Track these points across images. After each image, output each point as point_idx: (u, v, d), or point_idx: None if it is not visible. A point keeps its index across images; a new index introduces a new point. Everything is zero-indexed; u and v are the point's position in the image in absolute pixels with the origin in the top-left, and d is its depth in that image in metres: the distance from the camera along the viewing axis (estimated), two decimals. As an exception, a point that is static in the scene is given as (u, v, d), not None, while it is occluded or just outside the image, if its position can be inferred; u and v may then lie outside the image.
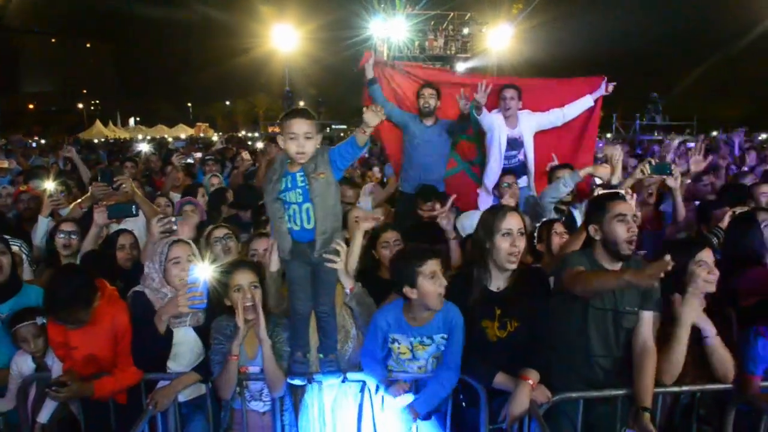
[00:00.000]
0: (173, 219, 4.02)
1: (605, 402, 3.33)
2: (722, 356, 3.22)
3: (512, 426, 3.16)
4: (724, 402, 3.34)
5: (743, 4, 43.74)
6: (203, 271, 3.23)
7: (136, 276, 3.80)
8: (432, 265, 3.10)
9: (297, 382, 3.26)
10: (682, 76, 53.40)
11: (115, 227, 4.68)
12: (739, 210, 4.35)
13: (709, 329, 3.20)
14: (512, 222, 3.27)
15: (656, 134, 23.03)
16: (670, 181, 4.82)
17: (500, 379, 3.20)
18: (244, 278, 3.27)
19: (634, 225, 3.26)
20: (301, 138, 3.07)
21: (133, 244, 4.49)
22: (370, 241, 4.30)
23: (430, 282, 3.09)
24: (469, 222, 4.83)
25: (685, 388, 3.29)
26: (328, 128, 27.05)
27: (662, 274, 2.68)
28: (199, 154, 10.45)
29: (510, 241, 3.24)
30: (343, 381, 3.31)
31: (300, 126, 3.08)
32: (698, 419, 3.38)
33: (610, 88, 6.26)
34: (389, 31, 26.96)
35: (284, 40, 31.99)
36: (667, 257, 2.62)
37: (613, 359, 3.33)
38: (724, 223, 4.37)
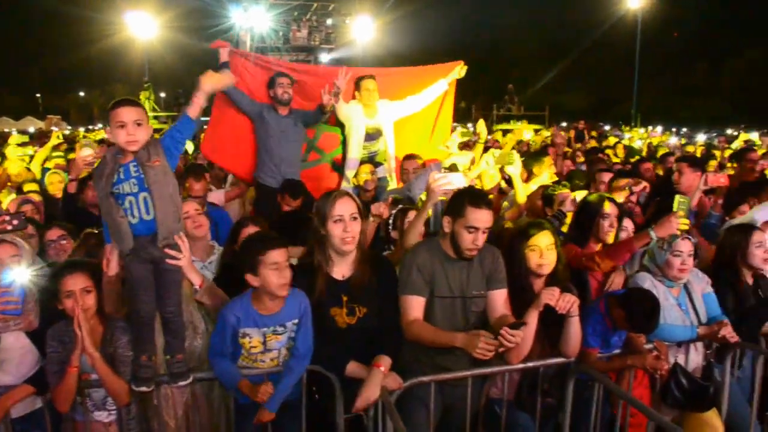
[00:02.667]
0: (7, 218, 3.66)
1: (458, 385, 3.42)
2: (578, 333, 3.41)
3: (368, 414, 3.17)
4: (564, 374, 3.55)
5: (594, 4, 46.95)
6: (20, 275, 2.97)
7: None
8: (274, 256, 3.06)
9: (143, 389, 3.05)
10: (535, 69, 56.59)
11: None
12: (579, 194, 4.63)
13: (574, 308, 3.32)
14: (343, 207, 3.26)
15: (512, 123, 24.28)
16: (511, 170, 5.08)
17: (352, 368, 3.21)
18: (75, 283, 3.01)
19: (483, 236, 3.33)
20: (130, 125, 2.86)
21: None
22: (231, 235, 4.19)
23: (271, 272, 3.05)
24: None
25: (530, 364, 3.46)
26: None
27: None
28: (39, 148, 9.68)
29: (342, 227, 3.24)
30: (191, 382, 3.17)
31: (128, 113, 2.87)
32: (542, 393, 3.56)
33: (463, 72, 6.52)
34: (252, 21, 26.42)
35: (142, 28, 30.49)
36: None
37: None
38: (566, 206, 4.65)
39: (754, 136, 16.04)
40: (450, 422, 3.54)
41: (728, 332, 3.73)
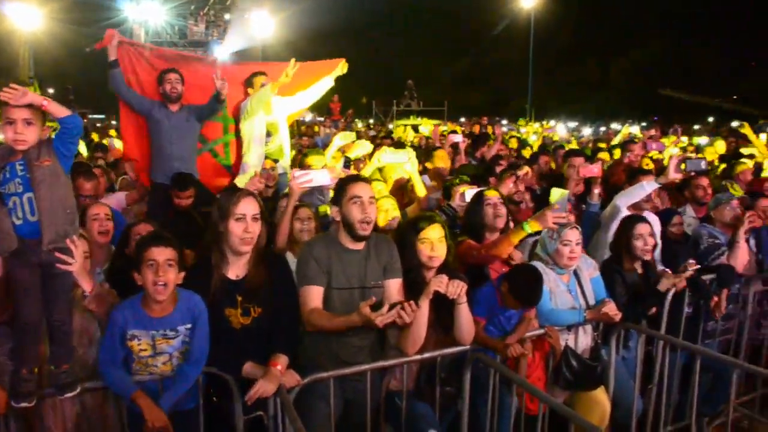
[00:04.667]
0: None
1: (358, 379, 3.44)
2: (468, 318, 3.51)
3: (268, 414, 3.12)
4: (461, 362, 3.63)
5: (490, 3, 48.36)
6: None
7: None
8: (152, 253, 2.99)
9: (23, 404, 2.83)
10: (434, 66, 57.84)
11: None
12: (468, 189, 4.77)
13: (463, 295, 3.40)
14: (247, 207, 3.23)
15: (411, 119, 24.64)
16: (408, 167, 5.18)
17: (248, 368, 3.15)
18: None
19: (371, 207, 3.39)
20: (19, 123, 2.70)
21: None
22: (122, 237, 4.04)
23: (147, 270, 2.98)
24: None
25: (427, 354, 3.52)
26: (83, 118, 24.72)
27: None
28: None
29: (243, 227, 3.20)
30: (79, 392, 3.00)
31: (19, 110, 2.71)
32: (441, 382, 3.63)
33: (345, 68, 6.68)
34: (146, 15, 25.49)
35: (25, 19, 28.56)
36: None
37: (363, 335, 3.47)
38: (455, 200, 4.79)
39: (635, 129, 17.01)
40: (352, 416, 3.55)
41: (611, 309, 3.96)
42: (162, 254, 3.01)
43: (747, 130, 10.70)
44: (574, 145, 11.02)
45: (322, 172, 4.11)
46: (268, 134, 6.19)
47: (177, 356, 3.13)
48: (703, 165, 5.94)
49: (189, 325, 3.11)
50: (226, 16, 28.06)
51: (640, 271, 4.55)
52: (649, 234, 4.44)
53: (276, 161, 6.14)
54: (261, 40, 27.94)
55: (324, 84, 6.63)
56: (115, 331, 3.02)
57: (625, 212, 4.96)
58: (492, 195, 4.38)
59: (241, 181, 5.82)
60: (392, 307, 3.01)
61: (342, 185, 3.47)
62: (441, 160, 6.60)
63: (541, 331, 3.87)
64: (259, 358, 3.18)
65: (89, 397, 3.25)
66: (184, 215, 5.09)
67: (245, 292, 3.28)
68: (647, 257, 4.47)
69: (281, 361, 3.15)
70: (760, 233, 5.38)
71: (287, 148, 6.33)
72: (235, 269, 3.31)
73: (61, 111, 2.78)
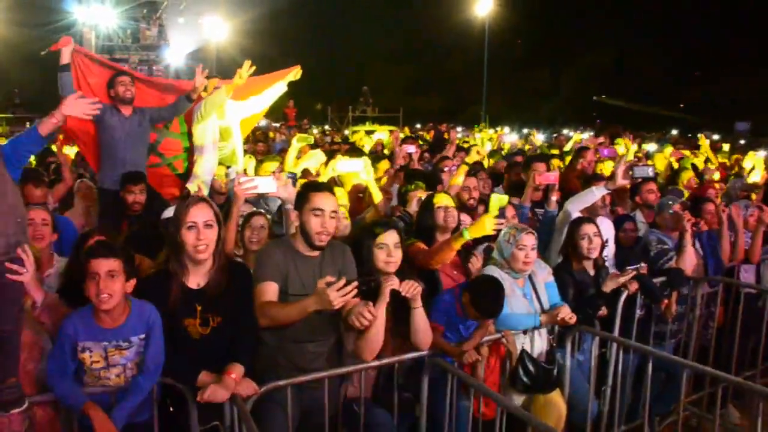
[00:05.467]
0: None
1: (316, 387, 3.41)
2: (425, 322, 3.52)
3: (224, 423, 3.07)
4: (419, 368, 3.65)
5: (445, 11, 48.73)
6: None
7: None
8: (93, 265, 2.90)
9: None
10: (389, 73, 57.99)
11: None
12: (425, 195, 4.80)
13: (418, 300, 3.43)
14: (197, 214, 3.14)
15: (367, 125, 24.65)
16: (363, 175, 5.19)
17: (202, 378, 3.07)
18: None
19: (331, 220, 3.36)
20: None
21: None
22: (76, 248, 3.92)
23: (90, 282, 2.90)
24: None
25: (385, 360, 3.52)
26: (28, 123, 23.92)
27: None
28: None
29: (195, 234, 3.12)
30: (27, 408, 2.89)
31: None
32: (399, 387, 3.63)
33: (298, 74, 6.68)
34: (97, 18, 24.92)
35: (-34, 20, 27.68)
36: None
37: (320, 342, 3.46)
38: (411, 205, 4.82)
39: (586, 136, 17.35)
40: (309, 424, 3.51)
41: (566, 314, 4.04)
42: (104, 266, 2.91)
43: (702, 141, 11.45)
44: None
45: (267, 180, 4.05)
46: (222, 138, 6.12)
47: (131, 368, 3.05)
48: (650, 172, 6.12)
49: (143, 336, 3.03)
50: (180, 20, 27.62)
51: (591, 272, 4.65)
52: (595, 234, 4.55)
53: (229, 167, 6.08)
54: (215, 43, 27.66)
55: (277, 89, 6.60)
56: (66, 342, 2.93)
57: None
58: (442, 200, 4.41)
59: (190, 189, 5.77)
60: (348, 282, 2.92)
61: (306, 192, 3.43)
62: (383, 171, 6.65)
63: (498, 335, 3.91)
64: (218, 368, 3.11)
65: (38, 411, 3.13)
66: (138, 220, 4.97)
67: (205, 301, 3.20)
68: (593, 255, 4.58)
69: (236, 371, 3.08)
70: (701, 238, 5.55)
71: (240, 153, 6.29)
72: (196, 278, 3.23)
73: (49, 129, 2.75)
